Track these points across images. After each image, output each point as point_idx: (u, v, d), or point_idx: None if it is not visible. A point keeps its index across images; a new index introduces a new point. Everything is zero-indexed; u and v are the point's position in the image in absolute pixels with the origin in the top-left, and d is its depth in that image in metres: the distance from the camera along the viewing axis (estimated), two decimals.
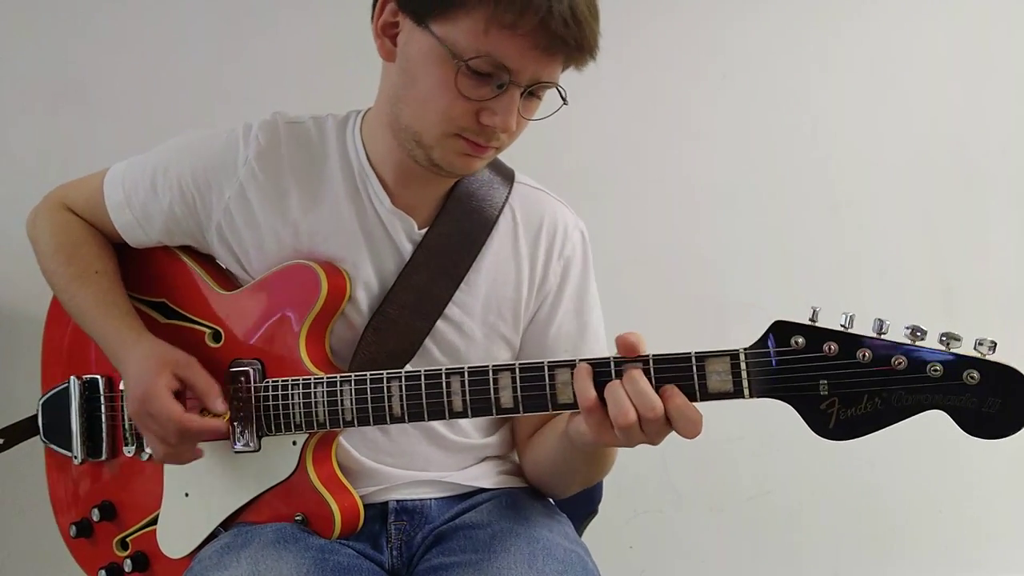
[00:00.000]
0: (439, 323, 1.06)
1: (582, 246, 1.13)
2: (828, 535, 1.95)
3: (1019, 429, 0.76)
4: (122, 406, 1.14)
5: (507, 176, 1.11)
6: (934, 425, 1.95)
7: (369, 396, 0.97)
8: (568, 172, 1.62)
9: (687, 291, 1.86)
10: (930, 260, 1.93)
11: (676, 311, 1.84)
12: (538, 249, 1.10)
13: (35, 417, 1.22)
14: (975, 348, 0.75)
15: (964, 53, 1.94)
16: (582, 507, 1.25)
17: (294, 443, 1.02)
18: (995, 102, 1.95)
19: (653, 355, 0.86)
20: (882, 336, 0.78)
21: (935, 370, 0.76)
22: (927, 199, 1.94)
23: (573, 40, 0.89)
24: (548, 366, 0.90)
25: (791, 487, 1.92)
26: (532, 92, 0.95)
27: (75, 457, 1.17)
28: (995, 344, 0.74)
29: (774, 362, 0.81)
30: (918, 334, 0.76)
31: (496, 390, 0.91)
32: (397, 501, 1.08)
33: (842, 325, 0.79)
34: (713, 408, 1.96)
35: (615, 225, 1.82)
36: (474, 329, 1.08)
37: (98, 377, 1.16)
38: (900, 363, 0.77)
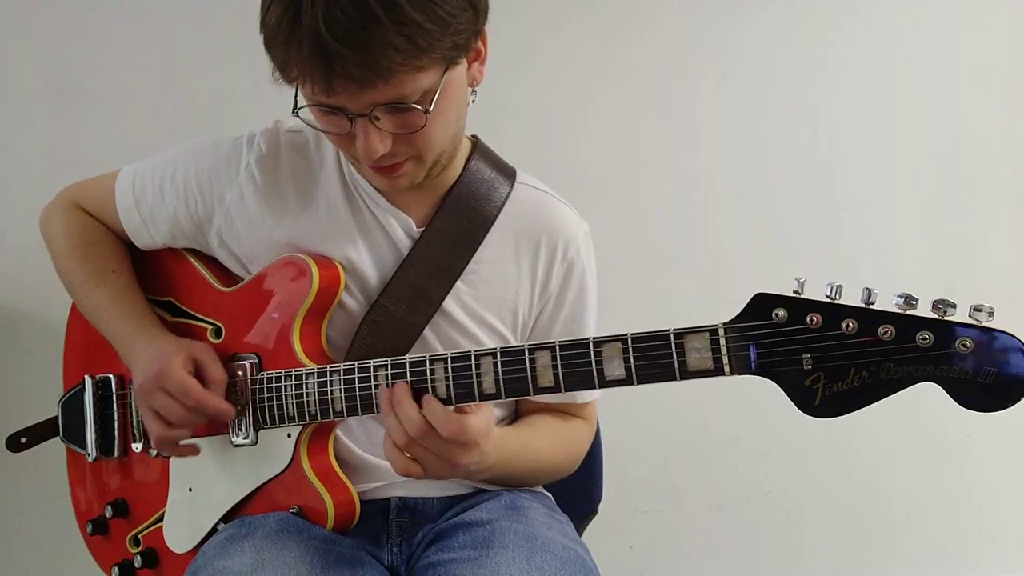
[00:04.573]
0: (437, 320, 1.00)
1: (585, 248, 1.06)
2: (828, 535, 1.83)
3: (1017, 401, 0.65)
4: (131, 402, 1.08)
5: (508, 175, 1.04)
6: (934, 424, 1.83)
7: (357, 385, 0.90)
8: (569, 172, 1.54)
9: (687, 291, 1.75)
10: (930, 260, 1.82)
11: (676, 311, 1.71)
12: (539, 251, 1.03)
13: (55, 418, 1.17)
14: (970, 315, 0.64)
15: (964, 53, 1.83)
16: (582, 507, 1.18)
17: (288, 435, 0.96)
18: (995, 102, 1.84)
19: (631, 334, 0.77)
20: (870, 306, 0.67)
21: (925, 339, 0.65)
22: (927, 199, 1.83)
23: (356, 75, 0.78)
24: (528, 349, 0.83)
25: (791, 487, 1.81)
26: (395, 108, 0.83)
27: (88, 455, 1.11)
28: (993, 310, 0.63)
29: (755, 336, 0.71)
30: (911, 302, 0.66)
31: (478, 375, 0.84)
32: (399, 498, 1.00)
33: (827, 296, 0.69)
34: (713, 408, 1.86)
35: (616, 225, 1.72)
36: (472, 327, 1.01)
37: (111, 376, 1.11)
38: (887, 333, 0.66)
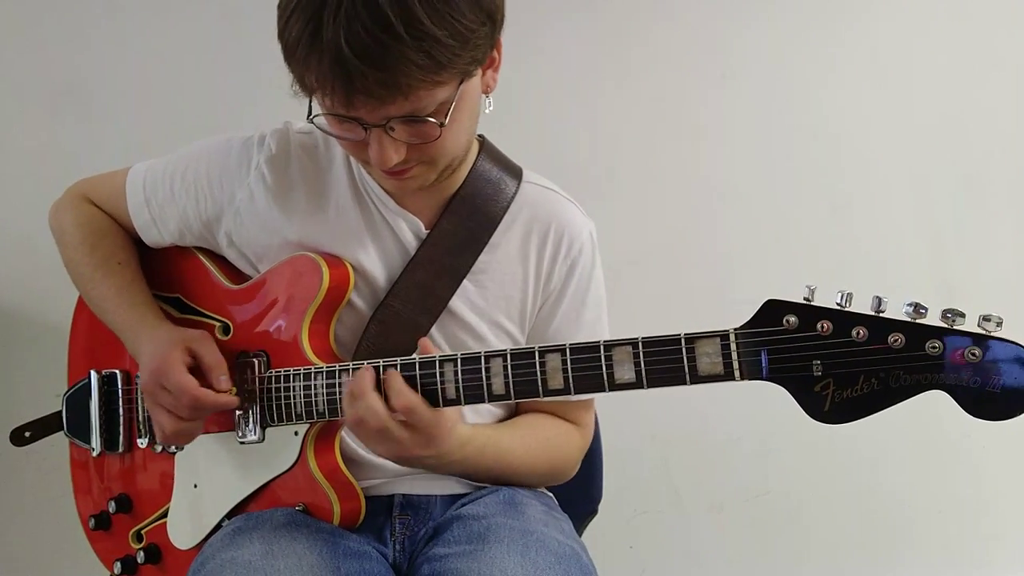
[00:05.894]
0: (444, 319, 1.00)
1: (590, 247, 1.06)
2: (828, 535, 1.84)
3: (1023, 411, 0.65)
4: (138, 398, 1.09)
5: (515, 175, 1.05)
6: (934, 424, 1.83)
7: None
8: (569, 171, 1.55)
9: (688, 290, 1.76)
10: (930, 259, 1.83)
11: (677, 310, 1.74)
12: (545, 249, 1.03)
13: (60, 412, 1.17)
14: (979, 324, 0.66)
15: (965, 52, 1.84)
16: (582, 507, 1.18)
17: (296, 433, 0.96)
18: (996, 102, 1.85)
19: (642, 338, 0.78)
20: (880, 314, 0.68)
21: (934, 347, 0.66)
22: (927, 199, 1.84)
23: (376, 91, 0.78)
24: (539, 352, 0.83)
25: (791, 487, 1.81)
26: (411, 120, 0.84)
27: (93, 449, 1.12)
28: (1001, 320, 0.64)
29: (766, 342, 0.72)
30: (920, 311, 0.67)
31: (488, 376, 0.85)
32: (403, 495, 1.01)
33: (838, 303, 0.70)
34: (713, 408, 1.86)
35: (618, 224, 1.71)
36: (480, 326, 1.02)
37: (116, 372, 1.11)
38: (897, 341, 0.67)
